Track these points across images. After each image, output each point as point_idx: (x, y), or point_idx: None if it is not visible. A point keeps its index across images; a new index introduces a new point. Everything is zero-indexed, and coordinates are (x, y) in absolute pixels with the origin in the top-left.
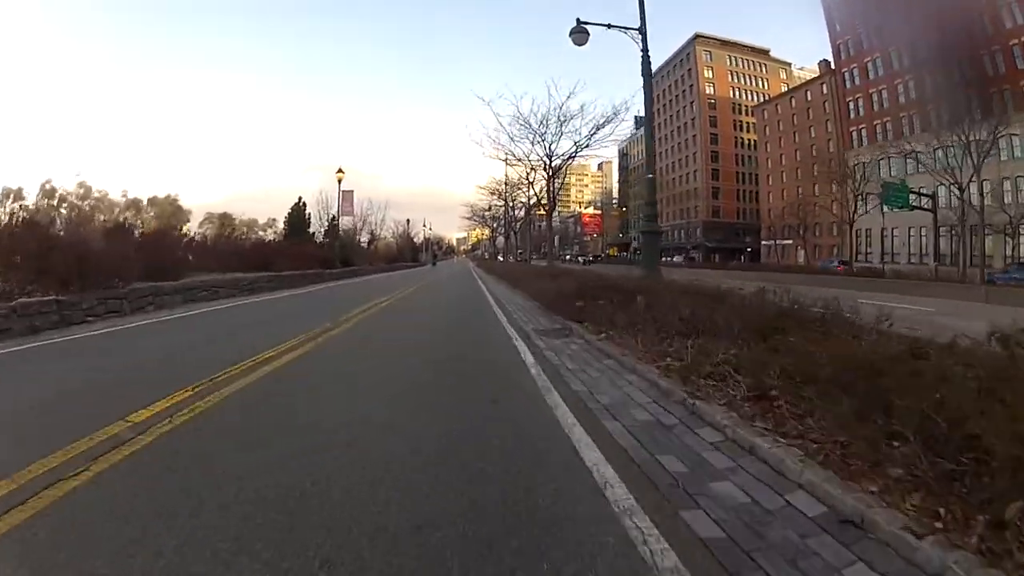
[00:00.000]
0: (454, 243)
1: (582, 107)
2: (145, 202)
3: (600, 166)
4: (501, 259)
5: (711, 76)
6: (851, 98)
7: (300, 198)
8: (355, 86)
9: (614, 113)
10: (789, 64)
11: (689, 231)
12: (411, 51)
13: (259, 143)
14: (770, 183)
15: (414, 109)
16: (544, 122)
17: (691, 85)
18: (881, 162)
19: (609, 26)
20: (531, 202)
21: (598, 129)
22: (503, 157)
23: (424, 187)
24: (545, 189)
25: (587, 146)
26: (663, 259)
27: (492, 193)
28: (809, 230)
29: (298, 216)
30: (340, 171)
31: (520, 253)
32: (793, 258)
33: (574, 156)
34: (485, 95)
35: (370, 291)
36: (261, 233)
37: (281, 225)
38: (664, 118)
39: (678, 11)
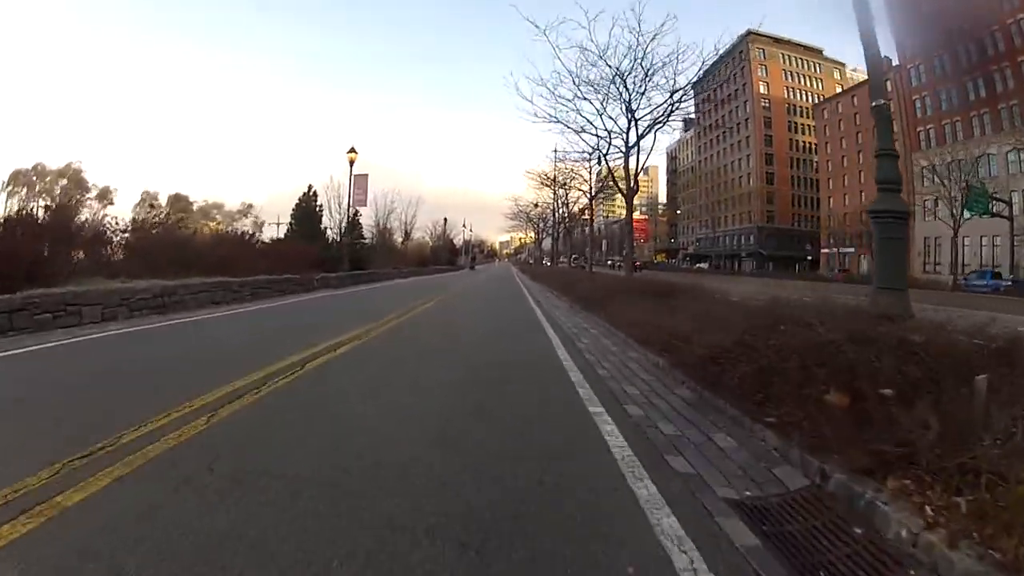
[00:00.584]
0: (496, 246)
1: (674, 54)
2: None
3: (646, 170)
4: (548, 263)
5: (764, 75)
6: (917, 96)
7: (310, 186)
8: (394, 84)
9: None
10: (843, 64)
11: (743, 238)
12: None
13: (296, 144)
14: (831, 187)
15: (453, 109)
16: (625, 69)
17: (744, 84)
18: (951, 165)
19: None
20: (593, 191)
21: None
22: (560, 117)
23: (464, 188)
24: (616, 169)
25: (678, 108)
26: (694, 266)
27: (543, 183)
28: (867, 236)
29: (307, 209)
30: (352, 151)
31: (575, 258)
32: (855, 267)
33: (667, 117)
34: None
35: (355, 309)
36: (242, 225)
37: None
38: (716, 118)
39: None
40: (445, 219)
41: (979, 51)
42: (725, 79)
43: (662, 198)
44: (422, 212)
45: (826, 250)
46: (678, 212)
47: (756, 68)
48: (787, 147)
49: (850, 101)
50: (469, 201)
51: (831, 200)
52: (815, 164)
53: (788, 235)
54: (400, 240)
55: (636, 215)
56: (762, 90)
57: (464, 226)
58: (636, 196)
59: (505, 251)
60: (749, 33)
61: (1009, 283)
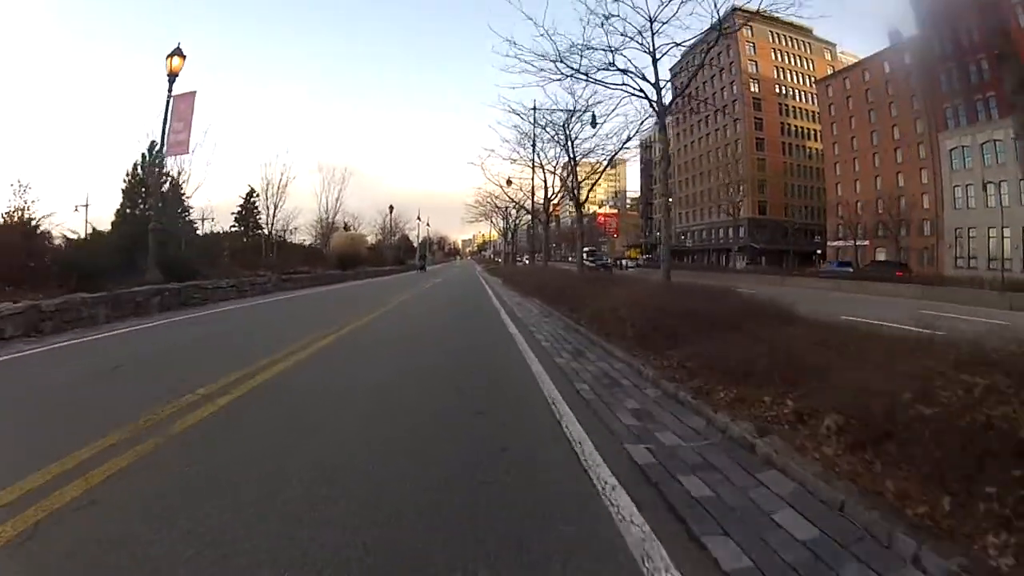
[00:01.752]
0: (459, 244)
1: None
2: None
3: (613, 164)
4: (525, 261)
5: (753, 53)
6: (943, 69)
7: (251, 188)
8: (357, 86)
9: None
10: (834, 45)
11: (731, 230)
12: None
13: (259, 145)
14: (838, 172)
15: (417, 111)
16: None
17: (731, 62)
18: (985, 146)
19: None
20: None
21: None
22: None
23: (427, 191)
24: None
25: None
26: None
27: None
28: (891, 228)
29: (248, 206)
30: (177, 54)
31: (537, 255)
32: (863, 260)
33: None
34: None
35: None
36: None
37: None
38: (697, 102)
39: None
40: (391, 207)
41: None
42: (708, 57)
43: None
44: (367, 199)
45: (836, 243)
46: (652, 203)
47: (744, 45)
48: (779, 131)
49: (860, 76)
50: (434, 203)
51: (839, 187)
52: (810, 151)
53: (781, 227)
54: (319, 231)
55: (605, 209)
56: (751, 69)
57: (419, 219)
58: (603, 191)
59: (468, 249)
60: (735, 9)
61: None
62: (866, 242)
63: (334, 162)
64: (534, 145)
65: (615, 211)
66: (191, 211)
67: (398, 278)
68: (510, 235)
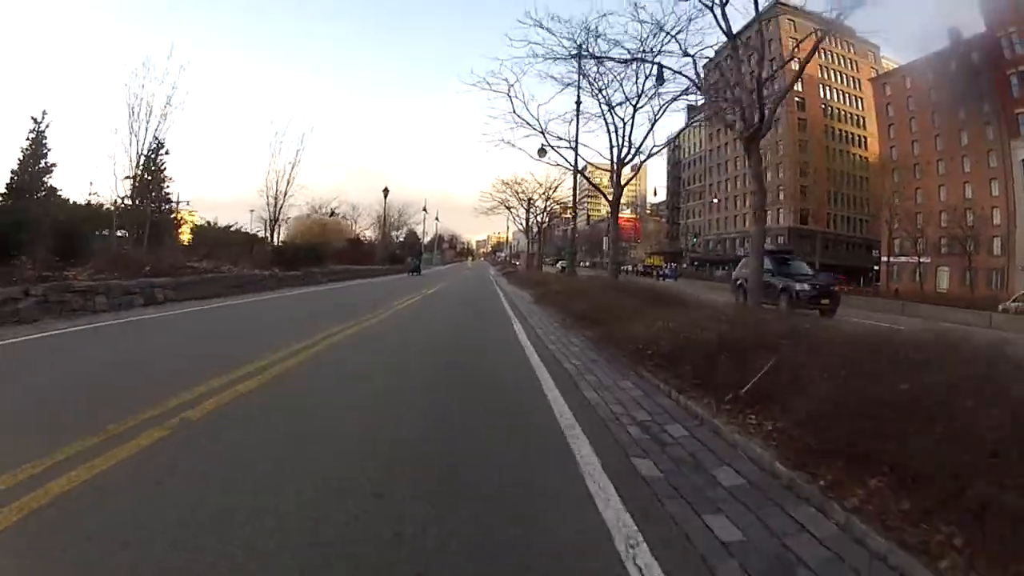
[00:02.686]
0: (473, 245)
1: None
2: None
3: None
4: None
5: (796, 50)
6: (1013, 71)
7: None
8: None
9: None
10: (877, 47)
11: (769, 241)
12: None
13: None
14: (896, 180)
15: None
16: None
17: (771, 59)
18: None
19: None
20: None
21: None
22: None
23: (444, 191)
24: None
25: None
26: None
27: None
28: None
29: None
30: None
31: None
32: (932, 283)
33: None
34: None
35: None
36: None
37: None
38: (732, 100)
39: None
40: (385, 191)
41: None
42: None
43: (659, 195)
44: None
45: (901, 258)
46: (680, 208)
47: (787, 41)
48: (823, 134)
49: (922, 75)
50: (450, 204)
51: (896, 197)
52: (855, 157)
53: (823, 239)
54: (270, 215)
55: (627, 213)
56: (793, 66)
57: (424, 210)
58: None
59: (482, 250)
60: (777, 3)
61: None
62: (927, 259)
63: (288, 116)
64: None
65: (634, 217)
66: None
67: (367, 285)
68: (535, 230)
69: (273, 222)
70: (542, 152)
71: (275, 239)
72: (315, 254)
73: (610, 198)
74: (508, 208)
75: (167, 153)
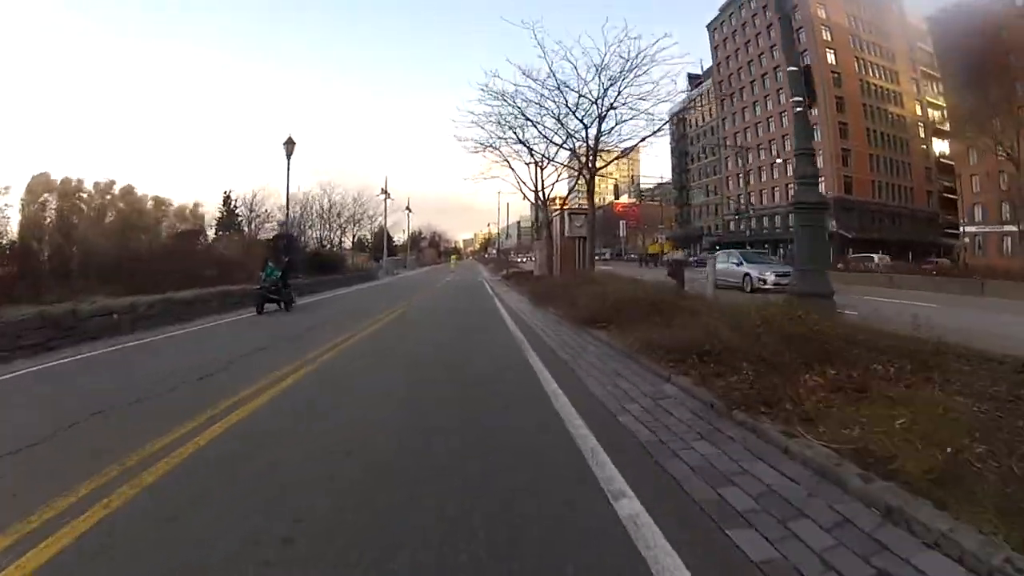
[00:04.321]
0: (460, 244)
1: None
2: None
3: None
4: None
5: None
6: None
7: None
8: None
9: None
10: None
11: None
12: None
13: (257, 145)
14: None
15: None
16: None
17: (794, 6)
18: None
19: None
20: None
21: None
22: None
23: (439, 193)
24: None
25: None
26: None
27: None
28: None
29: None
30: None
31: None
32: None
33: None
34: None
35: None
36: None
37: None
38: (751, 57)
39: None
40: (289, 142)
41: None
42: (760, 6)
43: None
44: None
45: (972, 228)
46: (689, 188)
47: None
48: (859, 92)
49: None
50: (453, 206)
51: (972, 155)
52: (892, 117)
53: (868, 211)
54: None
55: (624, 199)
56: (820, 13)
57: (384, 191)
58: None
59: (469, 248)
60: None
61: None
62: (1013, 227)
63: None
64: None
65: (634, 201)
66: None
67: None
68: (548, 215)
69: None
70: None
71: None
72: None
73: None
74: (509, 166)
75: None
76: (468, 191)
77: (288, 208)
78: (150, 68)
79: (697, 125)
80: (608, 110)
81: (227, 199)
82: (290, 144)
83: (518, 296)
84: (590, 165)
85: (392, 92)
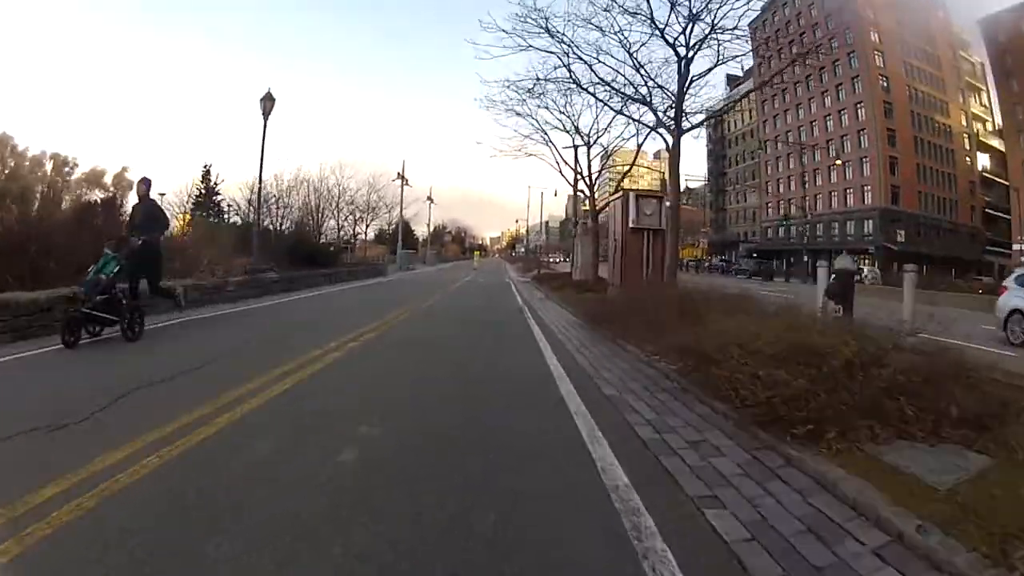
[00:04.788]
0: (487, 241)
1: None
2: None
3: (657, 154)
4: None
5: None
6: None
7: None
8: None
9: None
10: None
11: (852, 225)
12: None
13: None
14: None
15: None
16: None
17: (840, 6)
18: None
19: None
20: None
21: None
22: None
23: (466, 190)
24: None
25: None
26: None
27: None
28: None
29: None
30: None
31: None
32: None
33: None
34: None
35: None
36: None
37: None
38: (793, 56)
39: None
40: (269, 97)
41: None
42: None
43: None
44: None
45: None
46: (725, 191)
47: None
48: (907, 98)
49: None
50: (481, 202)
51: None
52: (937, 126)
53: (916, 222)
54: None
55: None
56: (868, 15)
57: (400, 175)
58: (646, 183)
59: (496, 247)
60: None
61: None
62: None
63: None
64: None
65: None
66: None
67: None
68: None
69: None
70: None
71: None
72: None
73: None
74: (548, 142)
75: None
76: (497, 188)
77: (260, 181)
78: (152, 64)
79: (736, 127)
80: (696, 47)
81: (207, 175)
82: (268, 100)
83: (559, 311)
84: (670, 126)
85: (423, 87)
